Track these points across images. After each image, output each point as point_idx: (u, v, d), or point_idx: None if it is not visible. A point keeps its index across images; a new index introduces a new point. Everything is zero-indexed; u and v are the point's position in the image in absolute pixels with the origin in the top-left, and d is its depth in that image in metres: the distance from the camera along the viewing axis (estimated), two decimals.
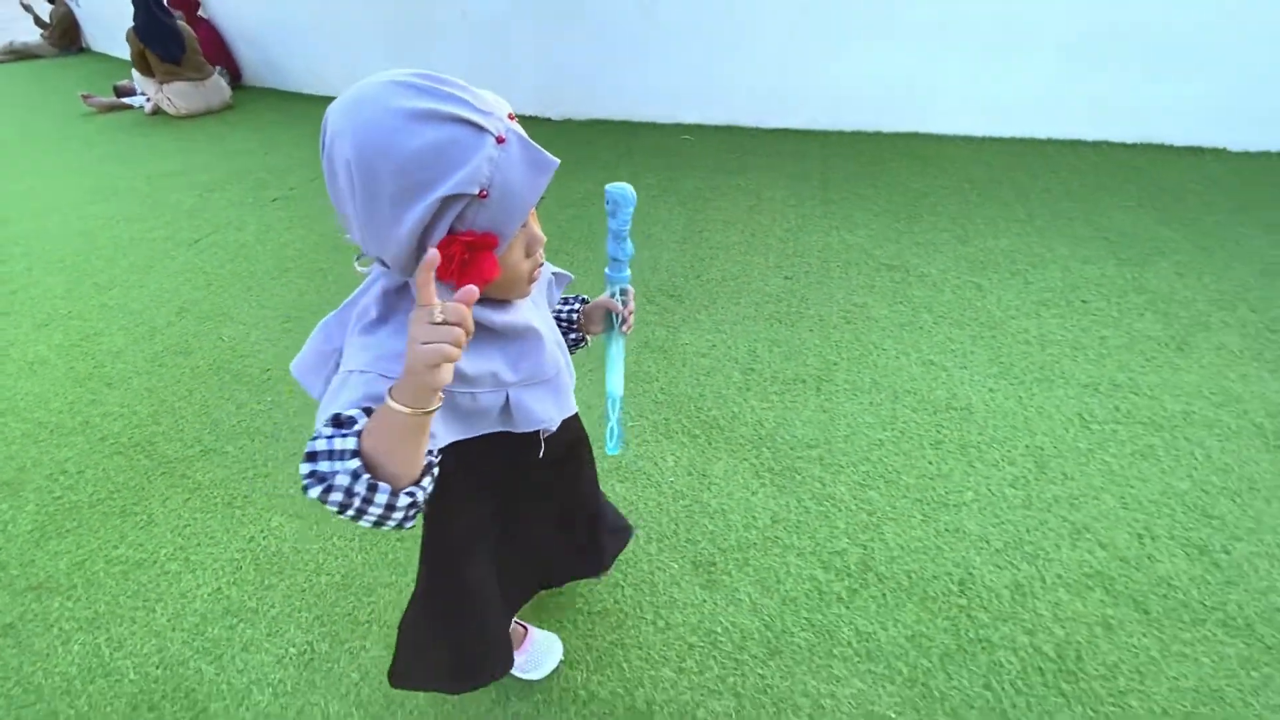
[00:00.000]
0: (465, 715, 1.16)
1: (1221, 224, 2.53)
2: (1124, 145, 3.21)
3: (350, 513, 0.55)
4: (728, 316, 2.12)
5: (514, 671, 1.16)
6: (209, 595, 1.39)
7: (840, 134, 3.59)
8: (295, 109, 4.86)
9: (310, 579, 1.41)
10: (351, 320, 0.66)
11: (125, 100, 5.01)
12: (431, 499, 0.64)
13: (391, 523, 0.58)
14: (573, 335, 0.93)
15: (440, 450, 0.66)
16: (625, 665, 1.22)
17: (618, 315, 0.88)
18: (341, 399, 0.60)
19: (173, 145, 4.20)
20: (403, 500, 0.57)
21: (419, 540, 0.94)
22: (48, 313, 2.41)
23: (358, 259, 0.64)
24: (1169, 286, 2.18)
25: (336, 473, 0.54)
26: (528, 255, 0.67)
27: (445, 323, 0.52)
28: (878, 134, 3.54)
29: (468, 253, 0.57)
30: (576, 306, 0.94)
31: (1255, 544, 1.37)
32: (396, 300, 0.65)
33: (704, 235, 2.62)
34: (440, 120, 0.54)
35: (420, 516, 0.75)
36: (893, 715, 1.12)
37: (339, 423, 0.57)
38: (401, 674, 1.00)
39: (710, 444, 1.67)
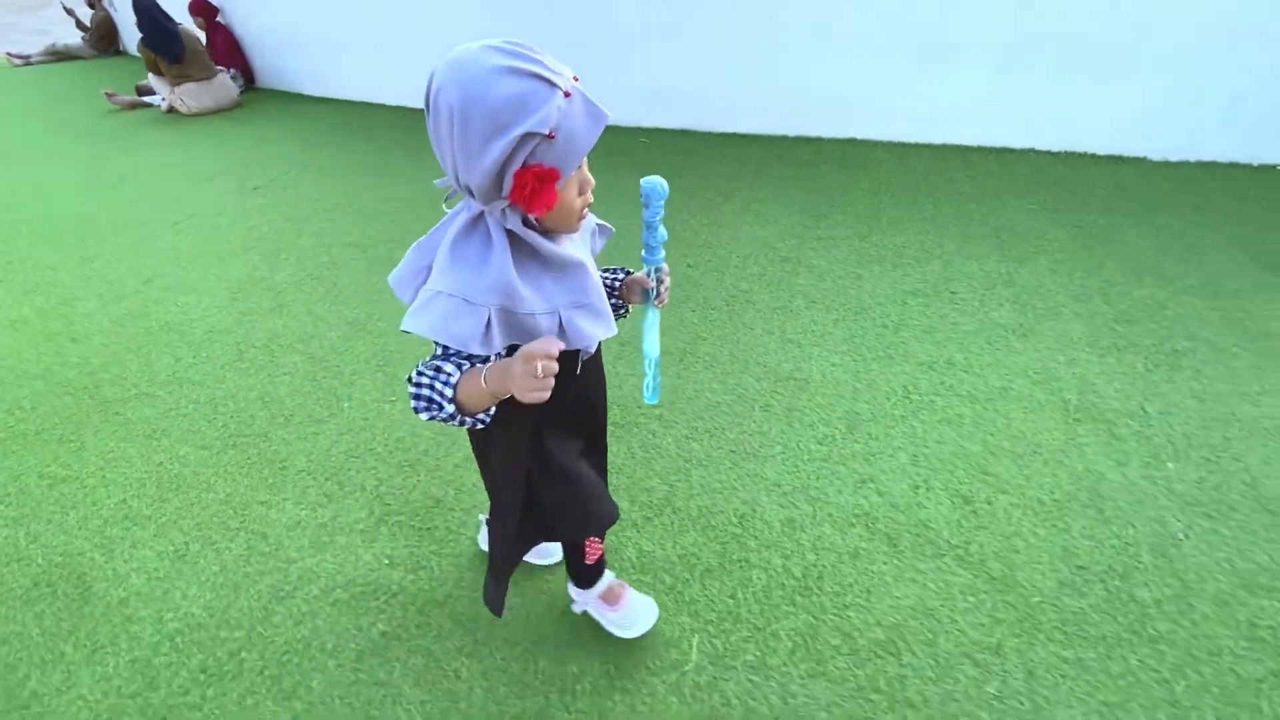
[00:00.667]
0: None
1: (1113, 226, 2.66)
2: (1050, 153, 3.35)
3: (437, 423, 0.83)
4: None
5: (608, 625, 1.27)
6: (115, 505, 1.64)
7: (782, 138, 3.79)
8: (295, 109, 5.21)
9: (200, 496, 1.66)
10: (443, 243, 0.80)
11: (145, 99, 5.42)
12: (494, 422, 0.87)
13: (461, 426, 0.82)
14: (614, 301, 1.05)
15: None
16: (437, 567, 1.44)
17: (652, 291, 1.01)
18: (427, 317, 0.76)
19: (177, 140, 4.57)
20: (475, 425, 0.82)
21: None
22: (36, 281, 2.72)
23: (445, 200, 0.82)
24: (1037, 280, 2.34)
25: (441, 408, 0.78)
26: (580, 194, 0.80)
27: (544, 375, 0.72)
28: (817, 139, 3.72)
29: (536, 181, 0.71)
30: (620, 276, 1.05)
31: (1018, 497, 1.54)
32: (473, 231, 0.79)
33: (634, 226, 2.84)
34: (522, 75, 0.68)
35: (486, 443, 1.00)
36: None
37: (439, 370, 0.78)
38: (500, 574, 1.13)
39: None
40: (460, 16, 4.38)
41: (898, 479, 1.59)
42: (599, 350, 1.03)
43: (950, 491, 1.56)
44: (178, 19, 5.28)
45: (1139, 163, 3.20)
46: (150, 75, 5.20)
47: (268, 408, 1.94)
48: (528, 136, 0.68)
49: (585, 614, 1.31)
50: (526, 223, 0.79)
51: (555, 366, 0.72)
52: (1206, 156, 3.14)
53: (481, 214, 0.79)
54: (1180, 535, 1.41)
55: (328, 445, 1.79)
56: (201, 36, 5.72)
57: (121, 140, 4.63)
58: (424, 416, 0.79)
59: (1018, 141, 3.41)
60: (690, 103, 3.95)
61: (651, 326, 1.02)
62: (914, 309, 2.21)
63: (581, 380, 0.98)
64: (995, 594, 1.34)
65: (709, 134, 3.96)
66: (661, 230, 0.94)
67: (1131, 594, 1.32)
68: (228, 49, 5.79)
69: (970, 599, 1.33)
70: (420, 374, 0.78)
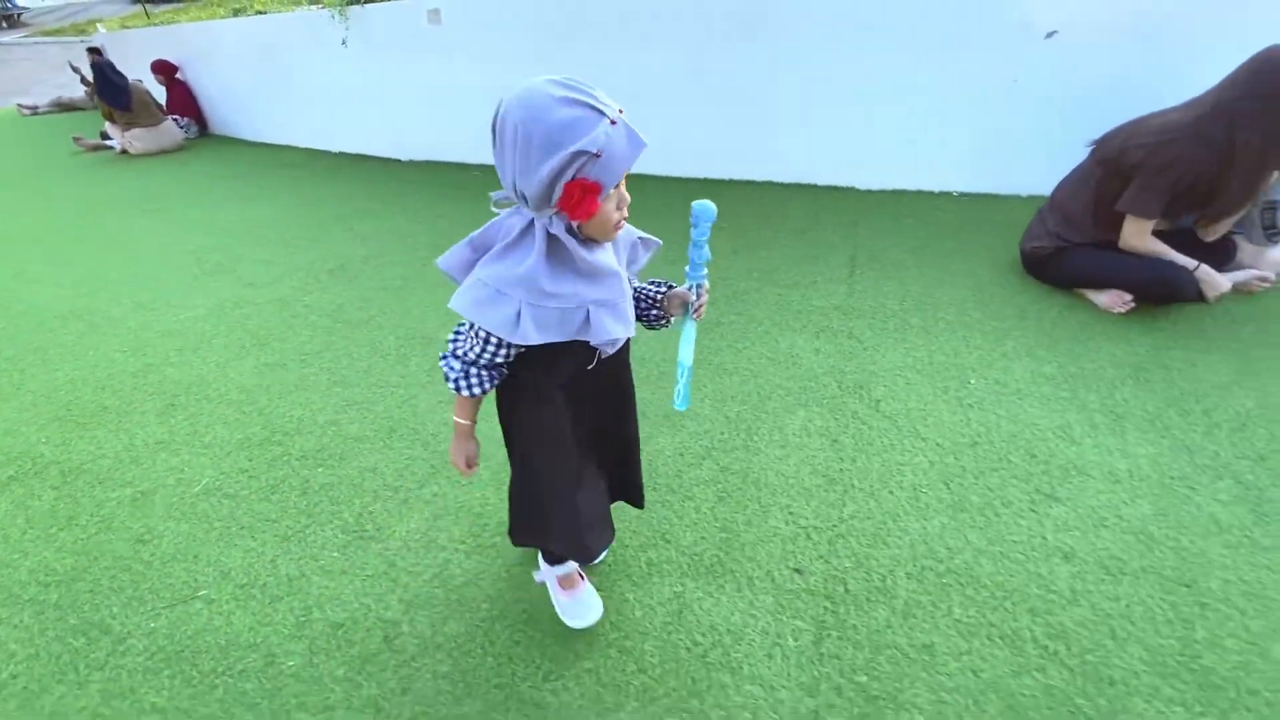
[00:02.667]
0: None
1: (878, 237, 3.00)
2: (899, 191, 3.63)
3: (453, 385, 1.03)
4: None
5: (556, 607, 1.34)
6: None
7: (704, 180, 4.10)
8: (229, 151, 6.04)
9: None
10: (496, 240, 0.94)
11: (106, 143, 6.31)
12: (517, 393, 1.08)
13: (448, 384, 1.04)
14: (655, 312, 1.13)
15: (524, 356, 1.02)
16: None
17: (691, 305, 1.09)
18: (466, 298, 0.91)
19: (113, 174, 5.39)
20: (457, 387, 1.03)
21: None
22: None
23: (494, 204, 0.94)
24: (787, 276, 2.71)
25: (470, 381, 1.01)
26: (617, 208, 0.91)
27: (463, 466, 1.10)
28: (731, 181, 4.03)
29: (581, 192, 0.83)
30: (663, 289, 1.13)
31: None
32: (523, 236, 0.91)
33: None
34: (577, 104, 0.80)
35: (505, 408, 1.15)
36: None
37: (487, 340, 0.96)
38: (517, 532, 1.31)
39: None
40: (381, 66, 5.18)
41: None
42: (625, 354, 1.15)
43: None
44: (143, 76, 6.23)
45: (948, 196, 3.75)
46: (106, 123, 6.09)
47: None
48: (579, 154, 0.81)
49: (543, 588, 1.40)
50: (570, 230, 0.90)
51: (469, 471, 1.14)
52: None
53: (532, 222, 0.91)
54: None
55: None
56: (161, 91, 6.66)
57: (73, 175, 5.46)
58: (449, 385, 1.03)
59: (867, 182, 3.98)
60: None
61: (688, 337, 1.10)
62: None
63: (600, 373, 1.08)
64: None
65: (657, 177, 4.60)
66: (706, 250, 1.03)
67: None
68: (184, 101, 6.72)
69: None
70: (456, 337, 1.02)
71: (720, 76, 3.81)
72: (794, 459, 1.75)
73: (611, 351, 1.06)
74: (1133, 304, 2.32)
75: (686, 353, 1.09)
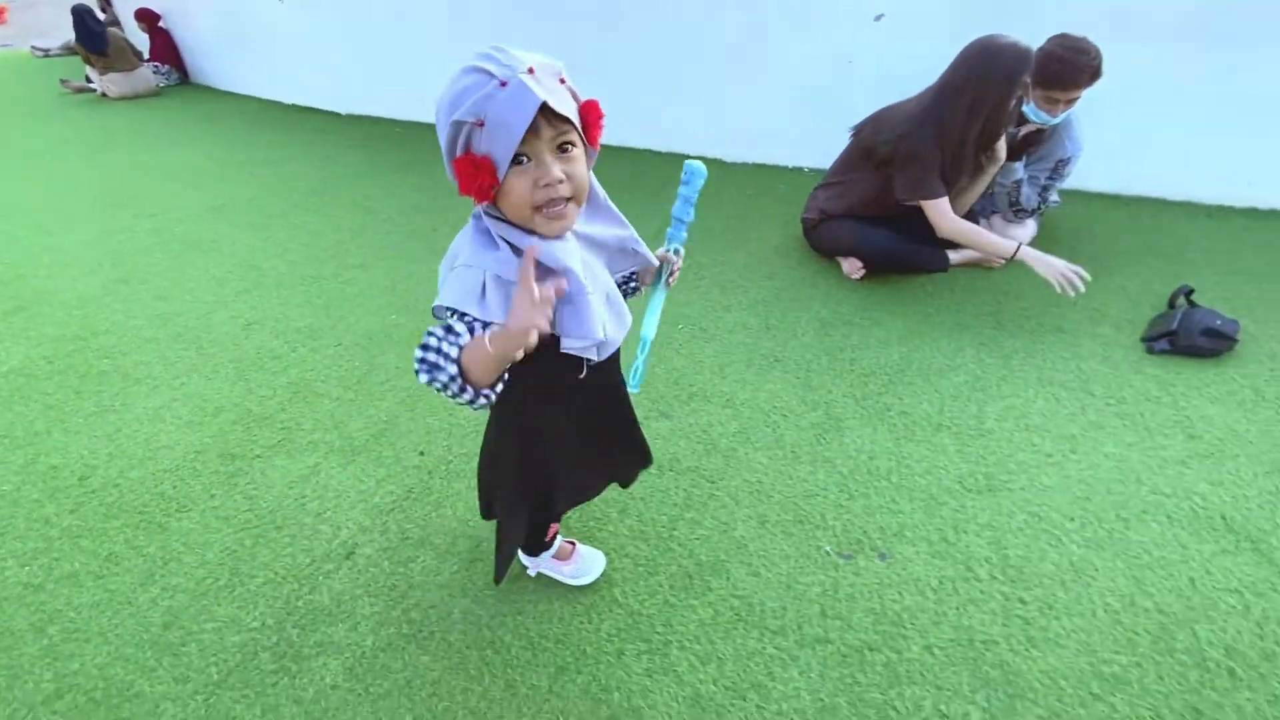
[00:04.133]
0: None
1: (711, 207, 3.42)
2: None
3: (443, 395, 0.80)
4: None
5: (564, 579, 1.39)
6: None
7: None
8: (197, 99, 6.45)
9: None
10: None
11: (90, 85, 6.77)
12: (515, 396, 0.89)
13: (467, 407, 0.83)
14: (633, 284, 1.08)
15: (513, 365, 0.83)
16: None
17: (668, 268, 1.01)
18: (449, 287, 0.82)
19: (83, 115, 5.84)
20: (480, 401, 0.82)
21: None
22: None
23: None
24: None
25: (442, 369, 0.78)
26: (536, 185, 0.79)
27: (543, 301, 0.75)
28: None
29: (471, 168, 0.77)
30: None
31: None
32: (477, 221, 0.86)
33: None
34: (471, 71, 0.76)
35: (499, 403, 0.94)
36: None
37: (450, 330, 0.80)
38: (485, 510, 1.29)
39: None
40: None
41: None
42: (607, 364, 1.03)
43: None
44: (128, 23, 6.67)
45: (719, 162, 3.99)
46: (86, 67, 6.54)
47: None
48: (457, 124, 0.75)
49: (540, 575, 1.41)
50: (494, 217, 0.84)
51: (553, 297, 0.76)
52: None
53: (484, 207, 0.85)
54: None
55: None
56: (145, 39, 7.08)
57: (51, 114, 5.93)
58: (424, 378, 0.80)
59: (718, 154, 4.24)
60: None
61: (655, 307, 1.00)
62: None
63: (597, 383, 1.00)
64: None
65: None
66: (692, 210, 0.98)
67: None
68: (166, 50, 7.13)
69: None
70: (429, 335, 0.80)
71: (598, 49, 4.07)
72: None
73: (601, 358, 0.95)
74: (864, 270, 2.58)
75: (651, 324, 0.99)
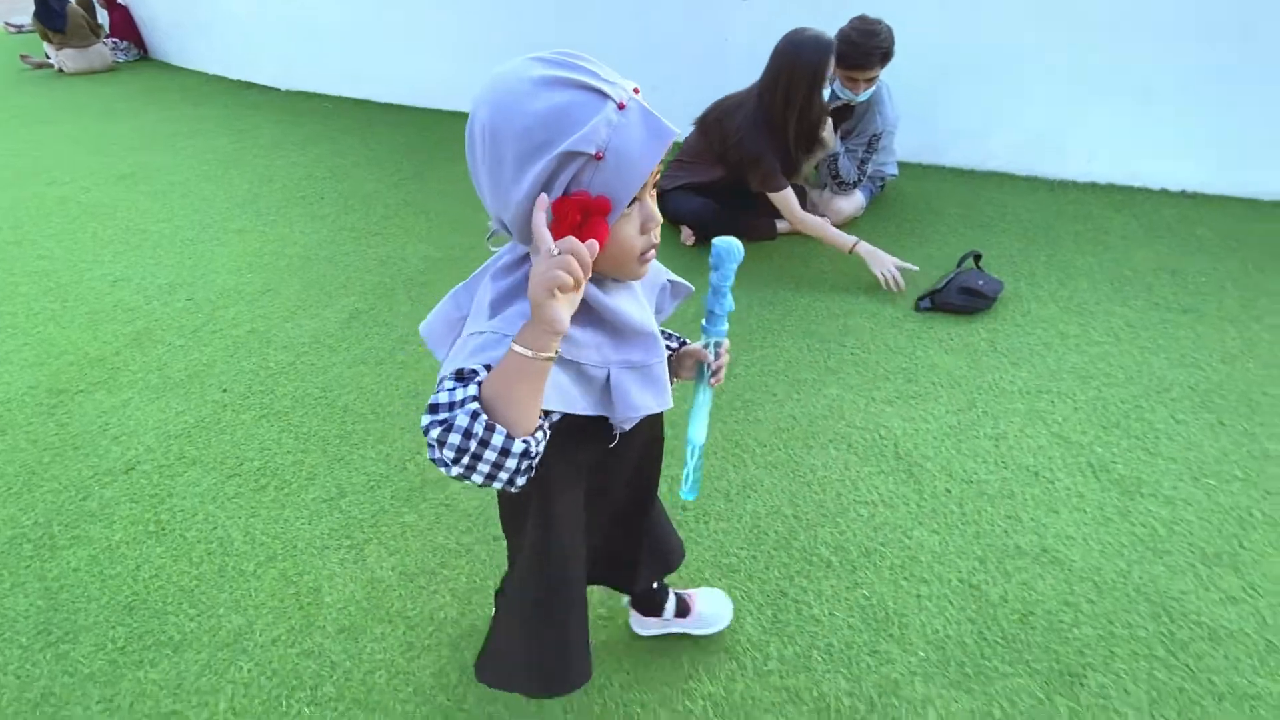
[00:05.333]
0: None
1: None
2: None
3: (465, 460, 0.58)
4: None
5: (699, 632, 1.26)
6: None
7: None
8: (150, 75, 6.61)
9: None
10: (481, 286, 0.71)
11: (49, 60, 6.95)
12: (529, 483, 0.65)
13: (504, 474, 0.60)
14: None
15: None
16: None
17: (708, 366, 0.88)
18: (461, 357, 0.65)
19: (35, 90, 6.04)
20: (517, 447, 0.59)
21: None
22: None
23: (489, 238, 0.69)
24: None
25: (456, 414, 0.58)
26: (642, 231, 0.67)
27: (561, 254, 0.56)
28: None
29: (581, 214, 0.59)
30: (673, 345, 0.93)
31: None
32: (515, 269, 0.69)
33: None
34: (565, 86, 0.58)
35: (515, 501, 0.82)
36: None
37: (460, 377, 0.62)
38: (484, 668, 1.04)
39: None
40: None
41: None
42: (659, 426, 0.94)
43: None
44: None
45: None
46: (45, 43, 6.72)
47: None
48: (569, 156, 0.58)
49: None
50: None
51: (579, 246, 0.56)
52: None
53: (526, 255, 0.69)
54: None
55: None
56: (104, 14, 7.24)
57: (11, 88, 6.13)
58: (439, 452, 0.59)
59: None
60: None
61: (702, 408, 0.90)
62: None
63: (624, 455, 0.87)
64: None
65: None
66: (729, 298, 0.84)
67: None
68: (124, 25, 7.28)
69: None
70: (436, 392, 0.61)
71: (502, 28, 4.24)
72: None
73: (630, 426, 0.80)
74: (694, 238, 2.77)
75: (699, 429, 0.90)
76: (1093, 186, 3.16)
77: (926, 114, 3.34)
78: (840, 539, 1.46)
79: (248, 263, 2.73)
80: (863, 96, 2.55)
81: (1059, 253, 2.57)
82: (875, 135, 2.68)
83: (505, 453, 0.60)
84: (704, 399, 0.90)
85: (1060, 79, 3.07)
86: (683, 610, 1.26)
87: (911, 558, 1.42)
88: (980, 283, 2.24)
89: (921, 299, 2.28)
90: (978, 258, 2.42)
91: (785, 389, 1.92)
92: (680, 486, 0.95)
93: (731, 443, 1.73)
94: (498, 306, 0.68)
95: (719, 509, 1.55)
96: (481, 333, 0.66)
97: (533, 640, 0.96)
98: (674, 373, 0.91)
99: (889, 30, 2.43)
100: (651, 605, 1.25)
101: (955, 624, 1.29)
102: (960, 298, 2.21)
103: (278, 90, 5.71)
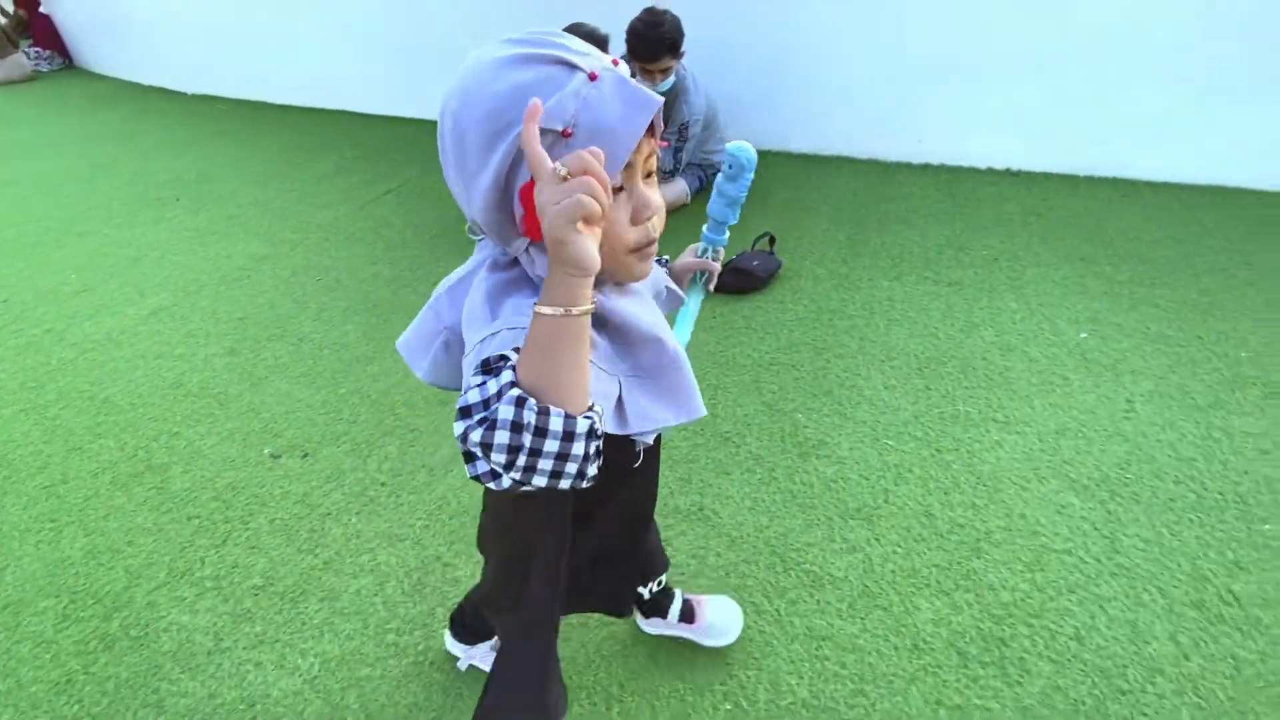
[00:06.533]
0: None
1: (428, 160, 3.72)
2: None
3: (521, 459, 0.48)
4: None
5: (705, 642, 1.20)
6: None
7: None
8: (69, 81, 6.65)
9: None
10: (471, 292, 0.62)
11: None
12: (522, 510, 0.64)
13: (572, 464, 0.50)
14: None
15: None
16: None
17: (705, 274, 0.85)
18: (490, 348, 0.55)
19: None
20: (581, 425, 0.49)
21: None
22: None
23: (469, 227, 0.64)
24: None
25: (497, 408, 0.48)
26: (635, 220, 0.59)
27: (569, 176, 0.46)
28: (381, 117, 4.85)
29: None
30: (663, 260, 0.88)
31: None
32: (505, 274, 0.61)
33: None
34: (529, 61, 0.53)
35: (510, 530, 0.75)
36: None
37: (487, 368, 0.52)
38: (487, 712, 0.91)
39: None
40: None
41: None
42: (657, 447, 0.85)
43: None
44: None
45: None
46: None
47: None
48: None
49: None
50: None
51: (588, 159, 0.46)
52: None
53: (515, 258, 0.62)
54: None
55: None
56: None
57: None
58: (475, 438, 0.49)
59: None
60: None
61: (690, 314, 0.86)
62: None
63: (643, 473, 0.81)
64: None
65: None
66: (738, 211, 0.81)
67: None
68: (46, 34, 7.30)
69: None
70: (465, 393, 0.51)
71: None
72: None
73: (649, 442, 0.73)
74: None
75: (685, 333, 0.84)
76: (925, 167, 3.23)
77: (770, 100, 3.42)
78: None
79: (77, 265, 2.79)
80: (662, 87, 2.61)
81: (859, 231, 2.65)
82: (683, 124, 2.74)
83: (570, 436, 0.49)
84: (694, 305, 0.87)
85: (891, 63, 3.14)
86: (688, 615, 1.19)
87: None
88: (755, 263, 2.31)
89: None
90: (772, 239, 2.50)
91: None
92: None
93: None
94: (495, 305, 0.59)
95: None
96: (493, 334, 0.56)
97: (540, 673, 0.88)
98: (674, 280, 0.87)
99: (674, 20, 2.49)
100: (654, 607, 1.19)
101: None
102: (732, 278, 2.28)
103: (183, 94, 5.75)
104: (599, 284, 0.61)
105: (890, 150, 3.32)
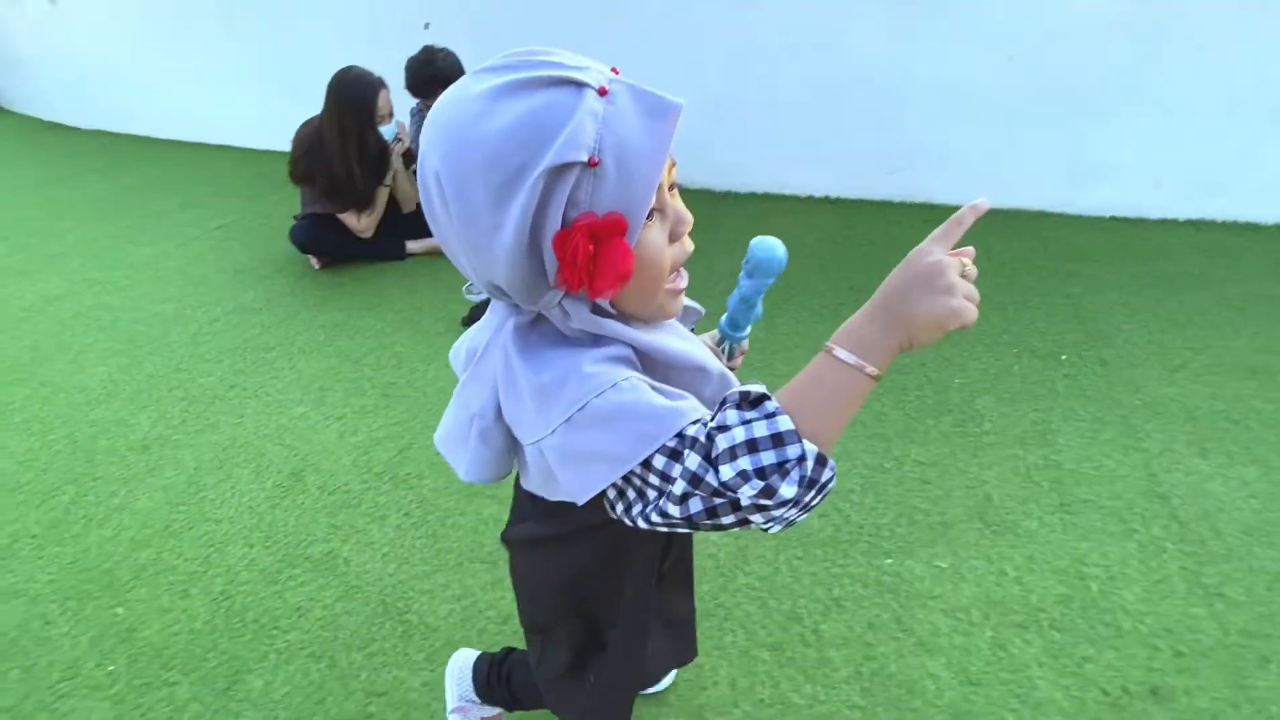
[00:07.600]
0: None
1: None
2: None
3: (790, 514, 0.46)
4: None
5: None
6: None
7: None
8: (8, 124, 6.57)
9: None
10: (501, 366, 0.55)
11: None
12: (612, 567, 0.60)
13: (798, 515, 0.47)
14: None
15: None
16: None
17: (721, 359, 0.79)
18: (617, 431, 0.48)
19: None
20: (827, 476, 0.45)
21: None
22: None
23: (467, 287, 0.72)
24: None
25: (802, 454, 0.44)
26: (672, 239, 0.54)
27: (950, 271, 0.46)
28: None
29: (593, 243, 0.45)
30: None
31: None
32: (540, 337, 0.54)
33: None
34: (526, 88, 0.45)
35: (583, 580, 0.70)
36: None
37: (748, 401, 0.46)
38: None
39: None
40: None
41: None
42: None
43: None
44: None
45: None
46: None
47: None
48: (556, 173, 0.45)
49: None
50: (598, 312, 0.53)
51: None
52: None
53: (540, 314, 0.55)
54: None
55: None
56: None
57: None
58: (785, 502, 0.45)
59: None
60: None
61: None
62: None
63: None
64: None
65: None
66: (759, 307, 0.76)
67: None
68: None
69: None
70: (671, 482, 0.47)
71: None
72: None
73: None
74: (320, 262, 2.82)
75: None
76: (751, 196, 3.27)
77: None
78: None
79: None
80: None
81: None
82: None
83: (822, 489, 0.46)
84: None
85: (703, 97, 3.19)
86: None
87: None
88: None
89: (466, 319, 2.35)
90: None
91: (345, 397, 1.97)
92: None
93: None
94: (554, 355, 0.52)
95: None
96: (599, 400, 0.49)
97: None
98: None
99: (448, 57, 2.53)
100: None
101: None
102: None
103: (77, 130, 5.74)
104: (627, 321, 0.56)
105: (716, 180, 3.35)
